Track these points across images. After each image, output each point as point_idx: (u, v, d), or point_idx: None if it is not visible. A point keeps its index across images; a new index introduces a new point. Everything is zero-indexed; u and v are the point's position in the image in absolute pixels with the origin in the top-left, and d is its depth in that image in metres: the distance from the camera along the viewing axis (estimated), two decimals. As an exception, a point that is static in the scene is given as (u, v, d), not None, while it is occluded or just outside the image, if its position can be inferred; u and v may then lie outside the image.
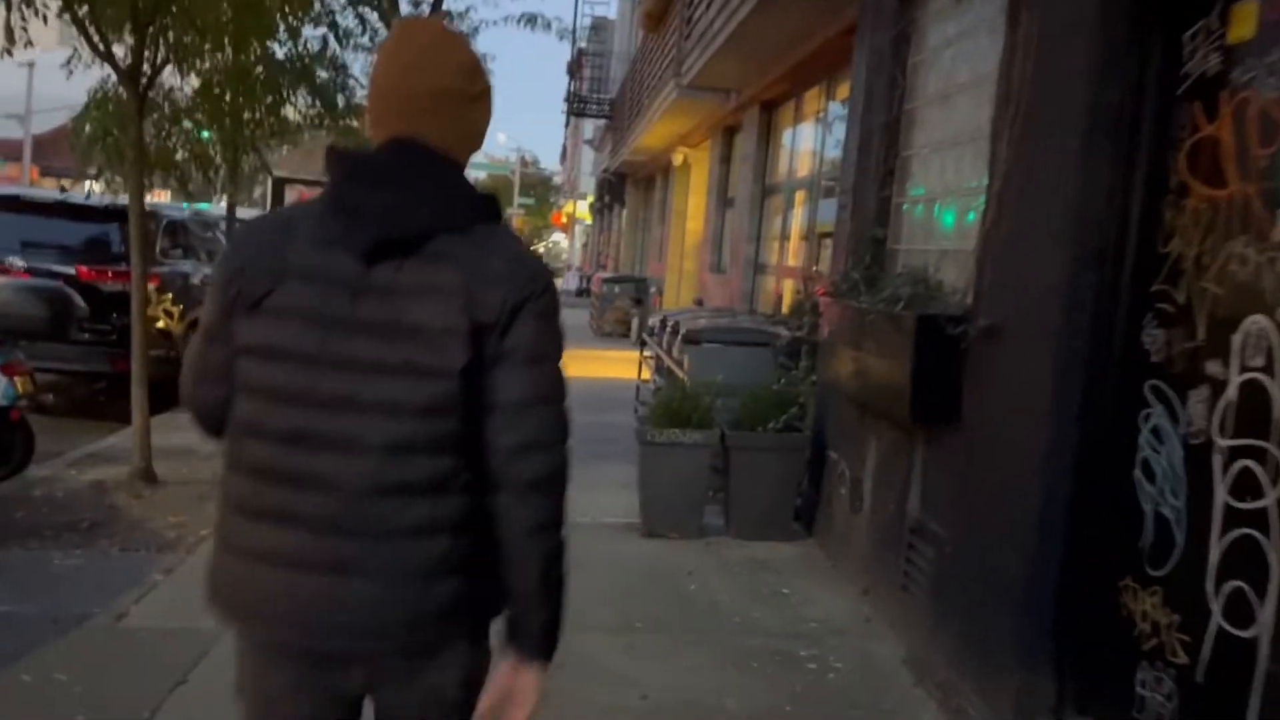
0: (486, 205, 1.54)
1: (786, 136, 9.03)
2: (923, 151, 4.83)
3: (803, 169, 8.46)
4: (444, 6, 15.05)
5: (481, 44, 19.10)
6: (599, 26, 29.32)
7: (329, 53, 6.89)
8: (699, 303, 11.45)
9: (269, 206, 21.88)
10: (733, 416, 5.63)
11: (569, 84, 23.63)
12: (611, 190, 25.87)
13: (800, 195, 8.55)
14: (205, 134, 7.03)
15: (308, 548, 1.46)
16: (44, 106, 39.37)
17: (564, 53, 23.95)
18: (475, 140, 1.60)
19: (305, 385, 1.46)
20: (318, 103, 6.81)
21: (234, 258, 1.58)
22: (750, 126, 9.55)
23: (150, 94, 6.19)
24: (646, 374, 9.02)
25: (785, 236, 8.71)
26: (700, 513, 5.57)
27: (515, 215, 55.98)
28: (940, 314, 3.86)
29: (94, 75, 6.71)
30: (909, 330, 3.92)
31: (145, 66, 5.86)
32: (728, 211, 11.17)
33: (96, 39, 5.74)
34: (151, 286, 8.40)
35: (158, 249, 8.59)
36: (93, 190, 8.72)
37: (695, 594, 4.68)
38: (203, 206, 20.34)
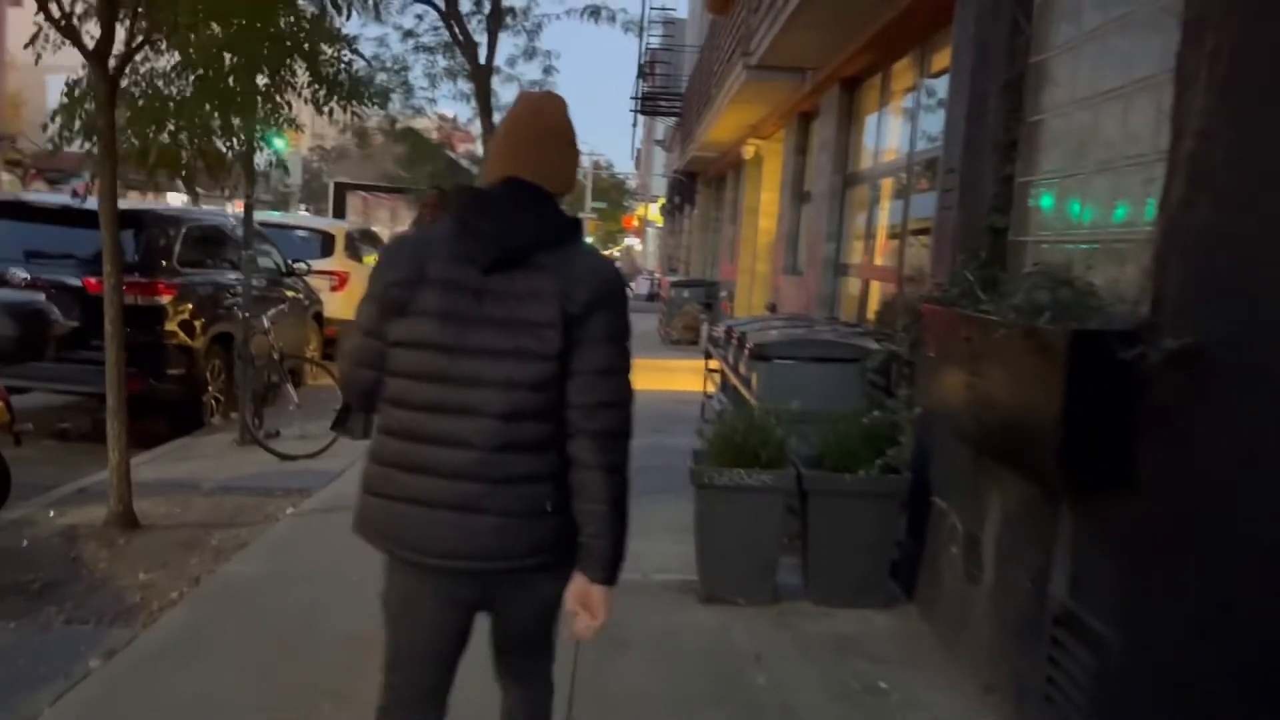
0: (573, 227, 2.13)
1: (871, 119, 7.91)
2: (1059, 114, 3.71)
3: (891, 154, 7.33)
4: (503, 4, 14.26)
5: (547, 41, 18.33)
6: (669, 23, 28.39)
7: (328, 23, 5.96)
8: (771, 308, 10.36)
9: (331, 212, 21.50)
10: (812, 452, 4.56)
11: (637, 81, 22.71)
12: (682, 190, 24.86)
13: (888, 184, 7.43)
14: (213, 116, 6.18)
15: (444, 491, 2.02)
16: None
17: (636, 54, 23.13)
18: (567, 182, 2.16)
19: (443, 367, 2.02)
20: (319, 82, 5.88)
21: (386, 273, 2.09)
22: (829, 109, 8.45)
23: (128, 78, 5.37)
24: (713, 386, 8.01)
25: (871, 233, 7.60)
26: (772, 571, 4.51)
27: (587, 219, 55.50)
28: (1106, 330, 2.76)
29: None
30: (1058, 351, 2.82)
31: (117, 46, 5.03)
32: (804, 207, 10.07)
33: (57, 12, 4.93)
34: (167, 299, 7.73)
35: (174, 257, 7.83)
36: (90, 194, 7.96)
37: (764, 694, 3.63)
38: (273, 214, 20.02)
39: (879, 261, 7.46)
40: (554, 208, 2.10)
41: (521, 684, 2.36)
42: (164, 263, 7.71)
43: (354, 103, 6.13)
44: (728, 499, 4.42)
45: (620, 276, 2.13)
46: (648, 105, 22.83)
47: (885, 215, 7.35)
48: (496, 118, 19.54)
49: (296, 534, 5.36)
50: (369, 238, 15.77)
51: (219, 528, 5.40)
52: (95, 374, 7.42)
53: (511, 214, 2.04)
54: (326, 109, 6.04)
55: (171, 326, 7.67)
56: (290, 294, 10.29)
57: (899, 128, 7.12)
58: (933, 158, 5.87)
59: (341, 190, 20.34)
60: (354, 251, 14.00)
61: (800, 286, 9.21)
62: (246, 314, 7.27)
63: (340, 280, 13.13)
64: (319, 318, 11.26)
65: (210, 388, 8.22)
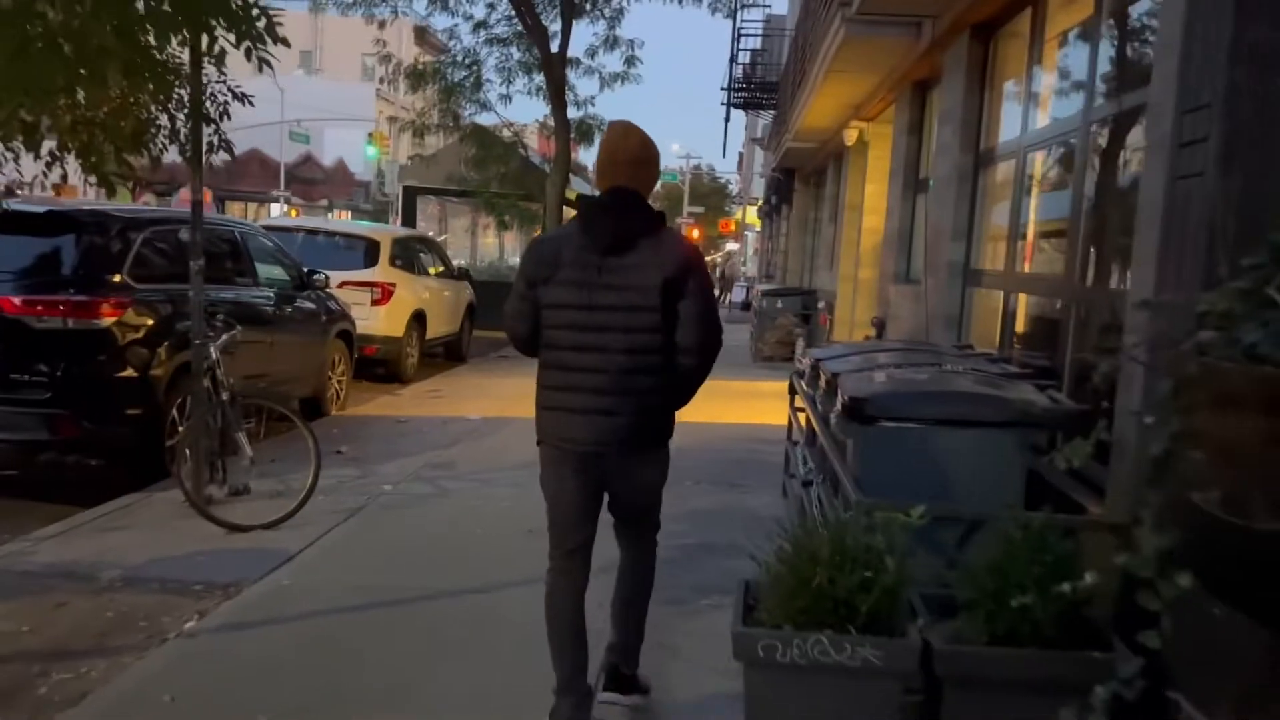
0: (661, 219, 3.17)
1: (1014, 76, 5.90)
2: None
3: (1047, 116, 5.32)
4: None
5: (629, 29, 16.55)
6: (767, 21, 26.36)
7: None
8: (879, 327, 8.36)
9: (400, 215, 20.18)
10: (949, 595, 2.66)
11: (729, 69, 20.83)
12: (779, 190, 22.84)
13: (1038, 161, 5.42)
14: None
15: (590, 402, 3.11)
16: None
17: (729, 40, 21.31)
18: (651, 185, 3.21)
19: (580, 320, 3.09)
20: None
21: (533, 258, 3.19)
22: (954, 67, 6.46)
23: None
24: (797, 423, 6.13)
25: (1018, 228, 5.53)
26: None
27: (685, 224, 53.78)
28: None
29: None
30: None
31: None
32: (919, 198, 8.06)
33: None
34: (110, 320, 6.21)
35: (126, 268, 6.30)
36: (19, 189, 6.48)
37: None
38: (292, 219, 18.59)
39: (1029, 267, 5.46)
40: (646, 206, 3.17)
41: (632, 547, 3.48)
42: (111, 276, 6.19)
43: (259, 46, 4.42)
44: (802, 684, 2.54)
45: (697, 250, 3.26)
46: (741, 97, 20.90)
47: (1040, 202, 5.33)
48: (573, 113, 18.02)
49: (167, 675, 3.67)
50: (425, 245, 14.28)
51: (72, 657, 3.77)
52: (8, 418, 6.03)
53: (618, 213, 3.10)
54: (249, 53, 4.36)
55: (119, 355, 6.15)
56: (301, 310, 8.76)
57: (1067, 76, 5.08)
58: (1131, 110, 3.88)
59: (411, 195, 18.97)
60: (405, 260, 12.50)
61: (916, 299, 7.22)
62: (197, 341, 5.68)
63: (384, 293, 11.62)
64: (347, 336, 9.71)
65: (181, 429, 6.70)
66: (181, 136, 5.13)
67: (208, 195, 43.33)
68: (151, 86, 4.80)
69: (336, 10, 15.79)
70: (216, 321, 5.82)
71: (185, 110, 5.08)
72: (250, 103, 5.41)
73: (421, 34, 15.75)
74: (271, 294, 8.38)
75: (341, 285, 11.19)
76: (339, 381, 9.57)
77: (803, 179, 18.36)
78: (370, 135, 38.38)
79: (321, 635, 4.10)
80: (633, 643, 3.49)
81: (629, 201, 3.09)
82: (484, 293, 16.35)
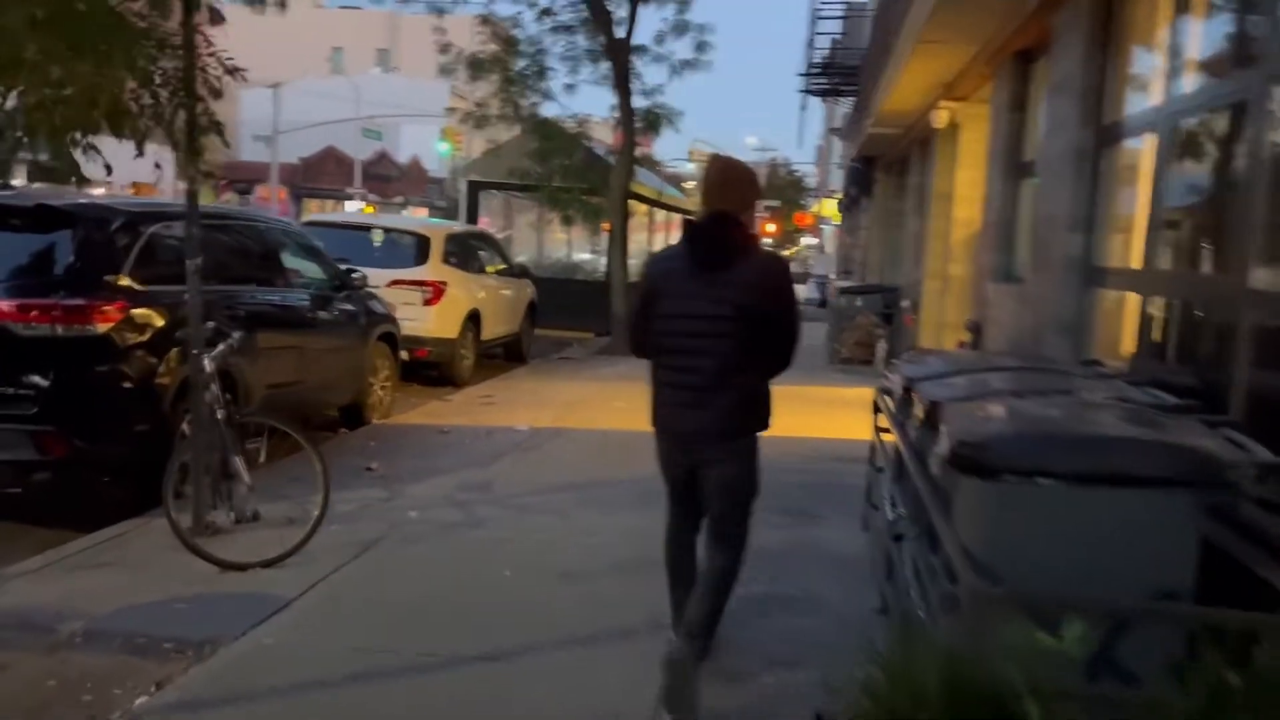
0: (754, 240, 3.68)
1: (1152, 31, 4.89)
2: None
3: (1201, 77, 4.31)
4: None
5: (699, 13, 15.62)
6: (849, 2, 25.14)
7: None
8: (974, 331, 7.37)
9: (465, 210, 19.55)
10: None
11: (807, 53, 19.78)
12: (859, 180, 21.71)
13: (1189, 132, 4.42)
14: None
15: (689, 398, 3.57)
16: (286, 128, 40.37)
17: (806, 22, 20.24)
18: (742, 203, 3.58)
19: (684, 328, 3.53)
20: None
21: (653, 270, 3.79)
22: (1071, 30, 5.46)
23: None
24: (888, 435, 5.29)
25: (1161, 218, 4.48)
26: None
27: (760, 219, 52.61)
28: None
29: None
30: None
31: None
32: (1023, 184, 7.05)
33: None
34: (106, 326, 5.59)
35: (128, 267, 5.68)
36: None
37: None
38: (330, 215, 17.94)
39: (1176, 263, 4.45)
40: (742, 229, 3.57)
41: (718, 547, 3.75)
42: (109, 276, 5.57)
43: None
44: None
45: (784, 266, 3.77)
46: (819, 84, 19.84)
47: (1192, 183, 4.32)
48: (641, 102, 17.17)
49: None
50: (482, 241, 13.62)
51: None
52: (1, 435, 5.45)
53: (717, 234, 3.56)
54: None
55: (116, 365, 5.53)
56: (339, 312, 8.11)
57: (1237, 22, 4.06)
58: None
59: (475, 190, 18.37)
60: (460, 258, 11.84)
61: (1021, 301, 6.23)
62: (194, 351, 5.01)
63: (435, 292, 10.97)
64: (391, 339, 9.05)
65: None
66: (166, 116, 4.44)
67: (282, 193, 43.54)
68: (132, 56, 4.11)
69: (398, 5, 15.27)
70: (224, 329, 5.12)
71: (171, 87, 4.39)
72: (243, 77, 4.71)
73: (487, 22, 14.95)
74: (306, 295, 7.75)
75: (391, 284, 10.58)
76: (382, 388, 8.91)
77: (884, 168, 17.25)
78: (443, 131, 38.09)
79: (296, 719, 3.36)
80: (695, 639, 3.59)
81: (727, 224, 3.54)
82: (547, 291, 15.71)
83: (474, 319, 11.75)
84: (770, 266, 3.62)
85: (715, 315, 3.47)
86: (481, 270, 12.60)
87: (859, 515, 5.82)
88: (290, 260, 7.76)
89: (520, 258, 19.71)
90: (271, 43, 53.85)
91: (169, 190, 34.28)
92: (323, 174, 51.07)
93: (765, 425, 3.68)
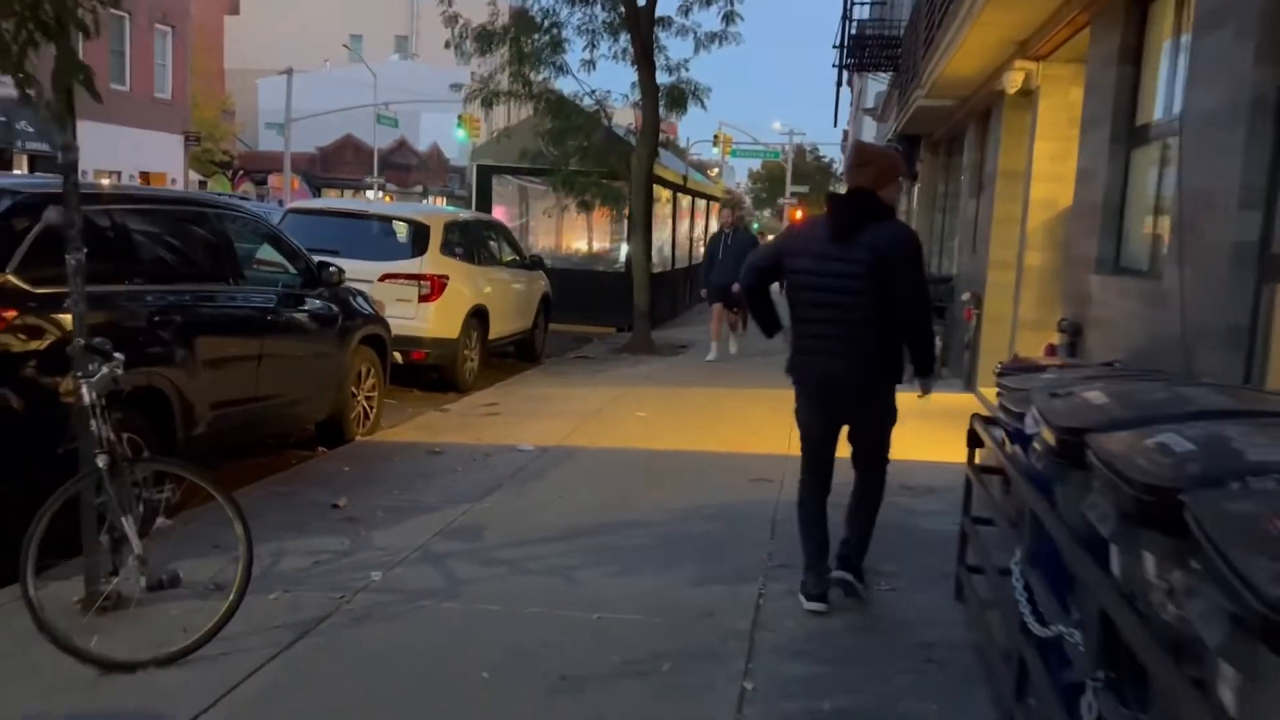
0: (886, 210, 4.14)
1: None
2: None
3: None
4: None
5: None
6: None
7: None
8: (1069, 333, 6.05)
9: (473, 193, 18.29)
10: None
11: (842, 26, 18.35)
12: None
13: None
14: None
15: (826, 349, 4.14)
16: (303, 117, 39.33)
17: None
18: (879, 180, 4.13)
19: (818, 284, 4.12)
20: None
21: (791, 231, 4.98)
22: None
23: None
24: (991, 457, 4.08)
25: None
26: None
27: (788, 205, 51.06)
28: None
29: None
30: None
31: None
32: (1137, 154, 5.70)
33: None
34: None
35: (12, 263, 4.49)
36: None
37: None
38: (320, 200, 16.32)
39: None
40: (877, 202, 4.10)
41: (865, 472, 4.39)
42: (-10, 273, 4.37)
43: None
44: None
45: (912, 235, 4.24)
46: (855, 56, 18.41)
47: None
48: (666, 79, 15.85)
49: None
50: (489, 230, 12.36)
51: None
52: None
53: (854, 208, 4.12)
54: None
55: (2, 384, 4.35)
56: (310, 313, 6.91)
57: None
58: None
59: (486, 175, 17.12)
60: (463, 248, 10.61)
61: (1149, 300, 4.90)
62: (78, 375, 3.79)
63: (434, 287, 9.74)
64: (378, 342, 7.84)
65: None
66: (13, 52, 3.20)
67: (295, 182, 42.45)
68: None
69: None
70: (102, 348, 3.88)
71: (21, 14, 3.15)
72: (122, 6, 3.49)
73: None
74: (269, 294, 6.55)
75: (383, 279, 9.40)
76: (366, 399, 7.71)
77: (930, 148, 15.83)
78: (460, 118, 36.82)
79: None
80: (856, 539, 4.37)
81: (864, 199, 4.13)
82: (564, 283, 14.46)
83: (479, 316, 10.54)
84: (900, 234, 4.17)
85: (847, 274, 4.05)
86: (489, 261, 11.37)
87: (946, 576, 4.54)
88: (248, 253, 6.56)
89: (537, 248, 18.50)
90: (290, 31, 53.08)
91: (182, 182, 33.46)
92: (341, 163, 50.18)
93: (899, 377, 4.26)
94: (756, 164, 72.66)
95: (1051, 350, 6.35)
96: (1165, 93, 5.20)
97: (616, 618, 4.10)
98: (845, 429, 4.35)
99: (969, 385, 10.32)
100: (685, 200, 21.51)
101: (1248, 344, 3.85)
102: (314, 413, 7.07)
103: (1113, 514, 2.11)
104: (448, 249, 10.11)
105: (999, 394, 4.17)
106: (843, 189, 4.52)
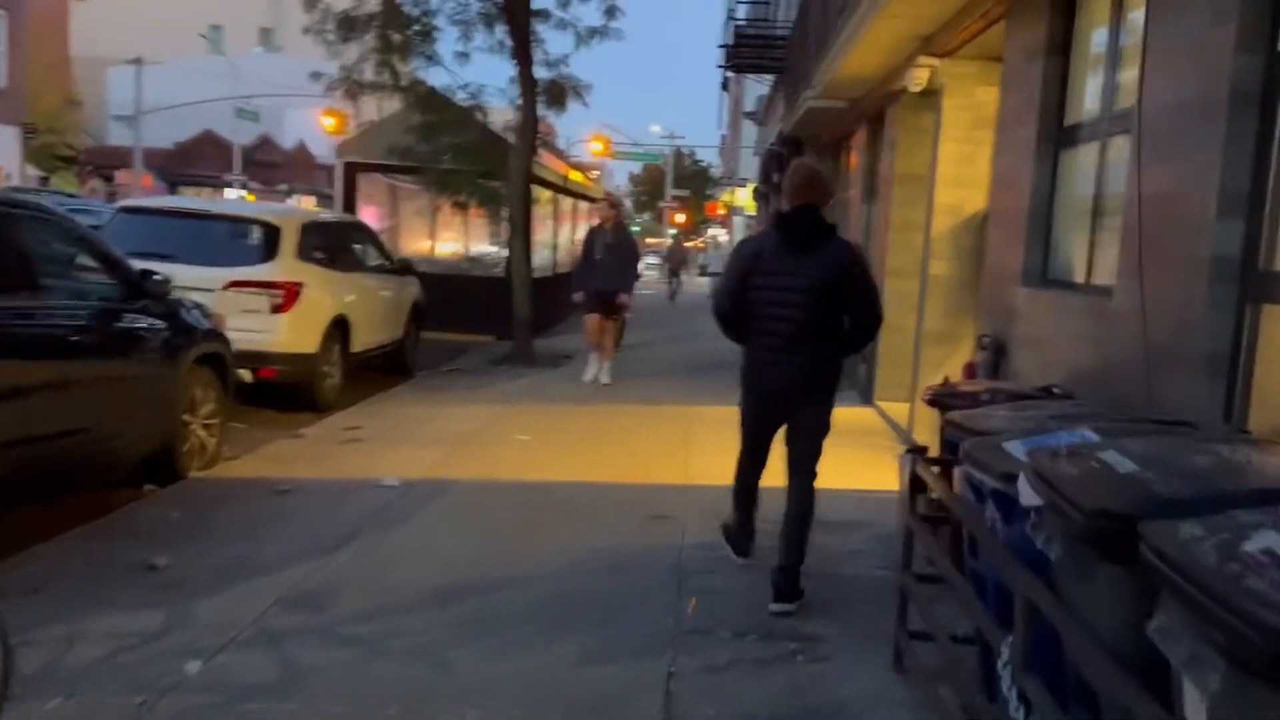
0: (831, 229, 4.45)
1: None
2: None
3: None
4: None
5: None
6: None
7: None
8: (991, 350, 5.55)
9: (340, 202, 17.16)
10: None
11: (726, 26, 17.87)
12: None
13: None
14: None
15: (777, 354, 4.43)
16: (157, 109, 36.87)
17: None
18: (816, 198, 4.44)
19: (774, 297, 4.37)
20: None
21: (745, 251, 4.69)
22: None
23: None
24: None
25: None
26: None
27: (669, 208, 50.81)
28: None
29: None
30: None
31: None
32: (1067, 155, 5.22)
33: None
34: None
35: None
36: None
37: None
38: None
39: None
40: (822, 220, 4.41)
41: (796, 479, 4.57)
42: None
43: None
44: None
45: (856, 252, 4.60)
46: (738, 58, 17.97)
47: None
48: (545, 74, 15.02)
49: None
50: (353, 232, 11.32)
51: None
52: None
53: (804, 224, 4.39)
54: None
55: None
56: (130, 331, 5.86)
57: None
58: None
59: (352, 172, 15.97)
60: (323, 252, 9.58)
61: (1086, 316, 4.40)
62: None
63: (288, 295, 8.69)
64: (217, 361, 6.81)
65: None
66: None
67: (147, 180, 39.80)
68: None
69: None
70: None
71: None
72: None
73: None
74: (79, 310, 5.52)
75: (229, 287, 8.32)
76: (204, 426, 6.67)
77: (817, 150, 15.47)
78: (327, 112, 35.00)
79: None
80: (793, 549, 4.47)
81: (811, 215, 4.42)
82: (439, 289, 13.49)
83: (341, 327, 9.53)
84: (844, 252, 4.43)
85: (798, 287, 4.31)
86: (352, 267, 10.35)
87: (882, 640, 3.91)
88: (47, 260, 5.49)
89: (409, 251, 17.41)
90: (145, 18, 49.93)
91: (18, 177, 30.73)
92: (200, 159, 47.50)
93: (836, 386, 4.59)
94: (637, 167, 72.44)
95: (971, 370, 5.85)
96: (1104, 87, 4.72)
97: (496, 716, 3.31)
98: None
99: (866, 398, 9.88)
100: (567, 202, 20.74)
101: (1228, 372, 3.33)
102: (136, 447, 6.01)
103: (1213, 659, 1.45)
104: (303, 253, 9.08)
105: (946, 429, 3.56)
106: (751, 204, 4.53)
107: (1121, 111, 4.42)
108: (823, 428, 4.57)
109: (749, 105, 31.00)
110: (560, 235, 19.80)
